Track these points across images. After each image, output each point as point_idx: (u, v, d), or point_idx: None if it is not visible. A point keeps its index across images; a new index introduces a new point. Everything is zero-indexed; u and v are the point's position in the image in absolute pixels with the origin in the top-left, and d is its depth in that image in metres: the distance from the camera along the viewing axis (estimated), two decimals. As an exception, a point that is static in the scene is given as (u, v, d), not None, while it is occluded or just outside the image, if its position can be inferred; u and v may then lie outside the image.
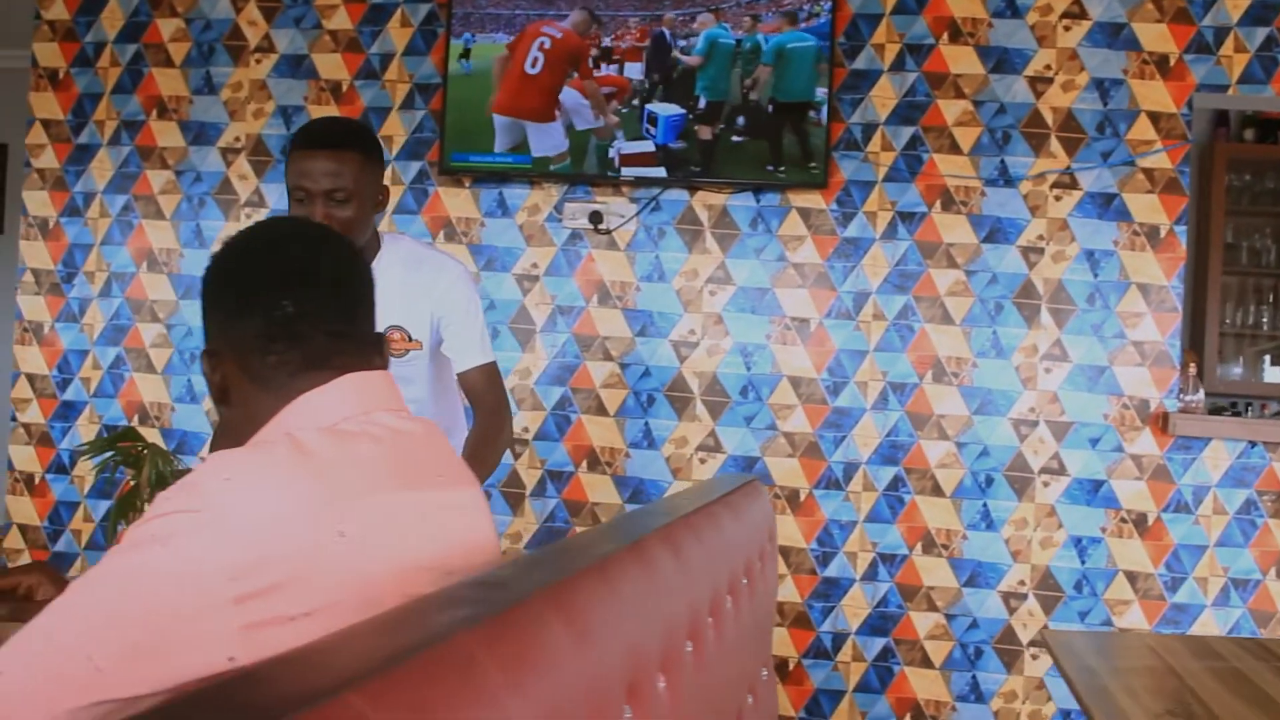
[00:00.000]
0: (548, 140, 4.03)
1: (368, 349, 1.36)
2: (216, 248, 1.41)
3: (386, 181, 2.61)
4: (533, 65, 4.05)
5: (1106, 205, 3.88)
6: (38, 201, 4.43)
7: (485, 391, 2.60)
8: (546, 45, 4.05)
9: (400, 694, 0.76)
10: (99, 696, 1.11)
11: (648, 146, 3.99)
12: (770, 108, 3.93)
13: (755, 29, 3.92)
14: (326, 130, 2.46)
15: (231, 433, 1.36)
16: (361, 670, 0.75)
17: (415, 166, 4.19)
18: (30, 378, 4.42)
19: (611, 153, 4.00)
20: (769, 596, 2.23)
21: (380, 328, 2.42)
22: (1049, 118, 3.91)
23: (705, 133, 3.97)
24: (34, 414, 4.40)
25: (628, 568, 1.32)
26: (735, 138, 3.95)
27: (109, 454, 3.77)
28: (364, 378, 1.32)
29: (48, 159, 4.42)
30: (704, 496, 1.91)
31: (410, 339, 2.57)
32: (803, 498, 3.99)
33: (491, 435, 2.56)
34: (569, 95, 4.02)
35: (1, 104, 6.32)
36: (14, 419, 4.42)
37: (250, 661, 1.11)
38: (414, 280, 2.55)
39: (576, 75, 4.03)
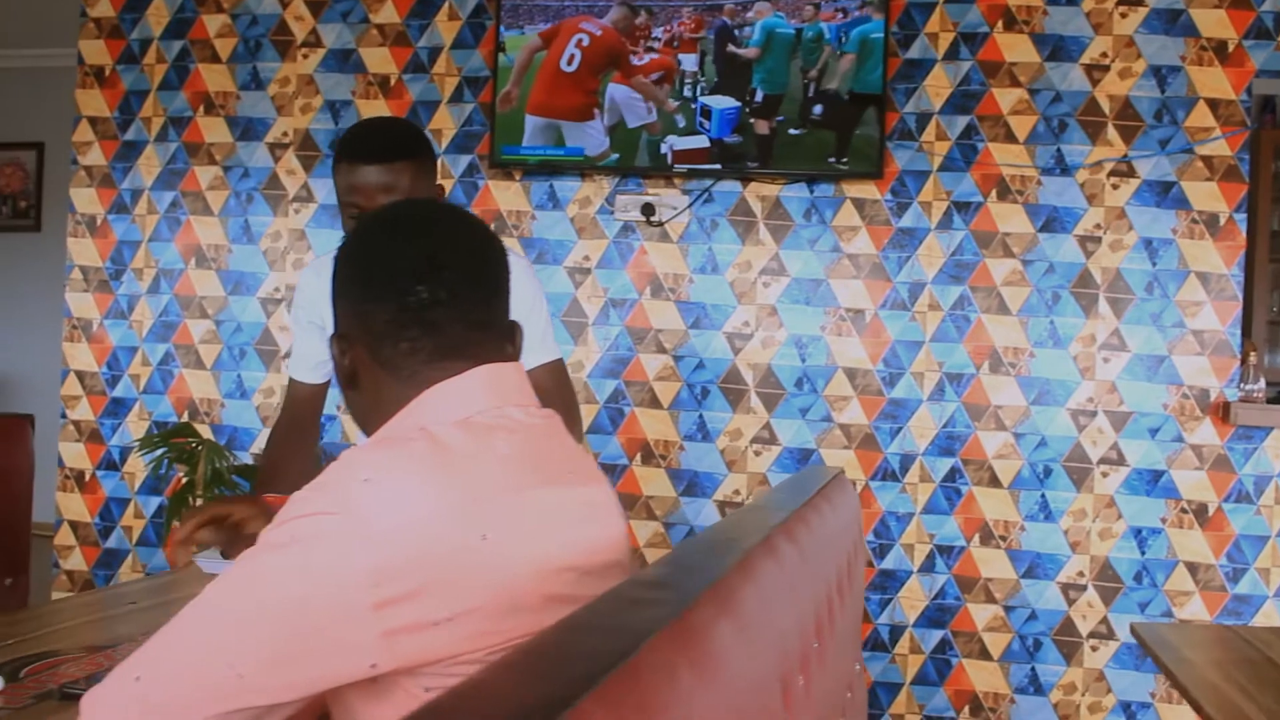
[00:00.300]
0: (588, 139, 4.00)
1: (501, 338, 1.33)
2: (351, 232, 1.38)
3: (438, 178, 2.54)
4: (569, 63, 4.02)
5: (1164, 193, 3.84)
6: (85, 199, 4.42)
7: (552, 391, 2.46)
8: (585, 43, 4.02)
9: (625, 698, 0.74)
10: (238, 704, 1.10)
11: (701, 142, 3.96)
12: (848, 97, 3.89)
13: (816, 17, 3.88)
14: (375, 139, 2.31)
15: (358, 417, 1.35)
16: (591, 674, 0.73)
17: (465, 160, 4.17)
18: (80, 375, 4.41)
19: (664, 148, 3.97)
20: (860, 590, 2.21)
21: None
22: (1106, 106, 3.87)
23: (762, 127, 3.93)
24: (84, 411, 4.39)
25: (764, 563, 1.30)
26: (793, 130, 3.91)
27: (162, 450, 3.77)
28: (497, 370, 1.29)
29: (94, 156, 4.41)
30: (803, 491, 1.88)
31: None
32: (859, 490, 3.96)
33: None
34: (619, 90, 3.99)
35: (39, 102, 6.35)
36: (64, 416, 4.42)
37: (392, 668, 1.09)
38: None
39: (618, 72, 4.00)
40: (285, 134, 4.29)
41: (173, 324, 4.35)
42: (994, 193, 3.91)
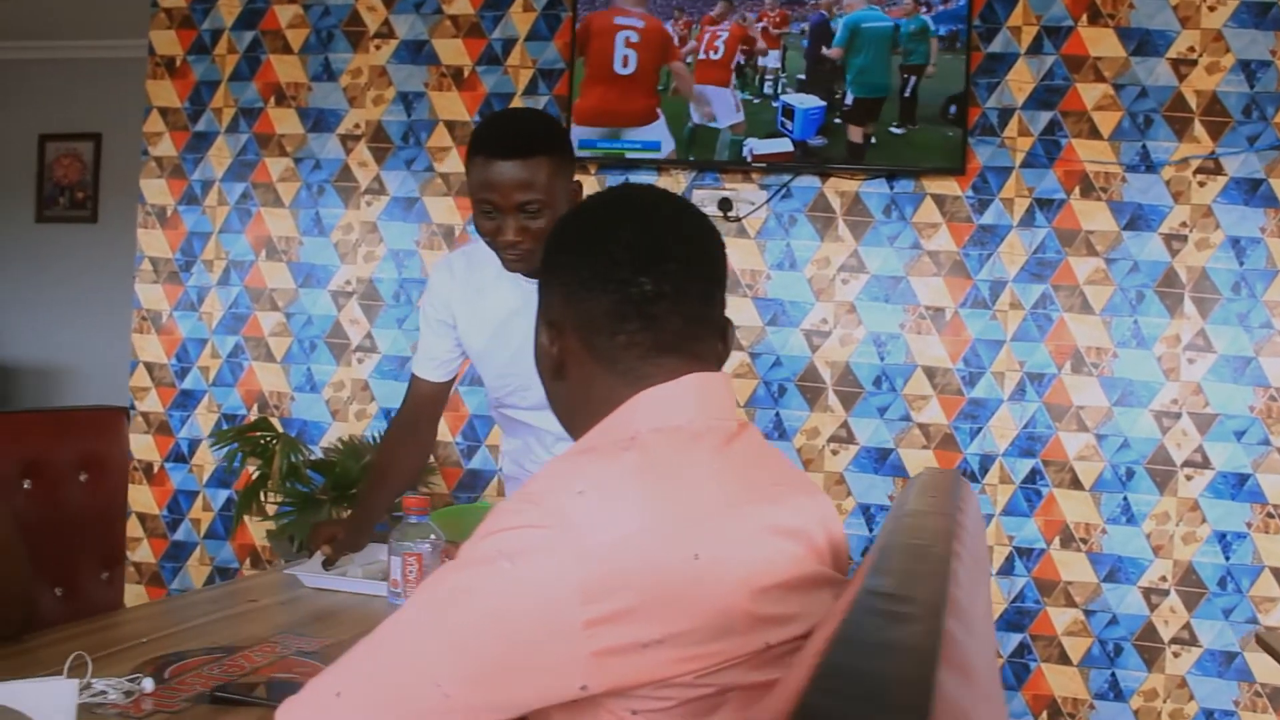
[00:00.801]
0: (724, 105, 3.93)
1: (715, 334, 1.28)
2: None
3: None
4: (624, 65, 3.96)
5: (1253, 191, 3.78)
6: (155, 190, 4.40)
7: None
8: (634, 39, 3.96)
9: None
10: None
11: (783, 145, 3.91)
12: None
13: (917, 11, 3.82)
14: (512, 133, 2.23)
15: (560, 409, 1.31)
16: (915, 701, 0.69)
17: (539, 153, 4.13)
18: (149, 366, 4.40)
19: (745, 151, 3.92)
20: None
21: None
22: (1192, 101, 3.81)
23: (856, 134, 3.86)
24: (153, 403, 4.38)
25: (959, 570, 1.26)
26: (894, 128, 3.84)
27: (236, 444, 3.76)
28: (708, 379, 1.24)
29: (165, 147, 4.39)
30: (947, 494, 1.84)
31: None
32: (936, 490, 3.90)
33: None
34: (712, 91, 3.94)
35: (97, 93, 6.35)
36: (133, 408, 4.41)
37: (603, 690, 1.05)
38: None
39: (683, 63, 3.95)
40: (357, 126, 4.26)
41: (243, 316, 4.33)
42: (1077, 190, 3.85)
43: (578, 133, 3.99)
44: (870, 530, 3.93)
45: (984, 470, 3.90)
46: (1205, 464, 3.79)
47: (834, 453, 3.97)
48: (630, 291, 1.20)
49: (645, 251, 1.21)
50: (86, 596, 2.42)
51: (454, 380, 2.59)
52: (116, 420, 2.66)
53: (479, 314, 2.45)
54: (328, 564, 2.21)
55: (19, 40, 6.37)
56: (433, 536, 1.78)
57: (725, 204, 3.98)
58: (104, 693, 1.41)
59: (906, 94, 3.82)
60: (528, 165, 2.17)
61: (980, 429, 3.90)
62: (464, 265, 2.48)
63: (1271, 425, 3.76)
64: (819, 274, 3.98)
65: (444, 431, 4.18)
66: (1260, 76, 3.77)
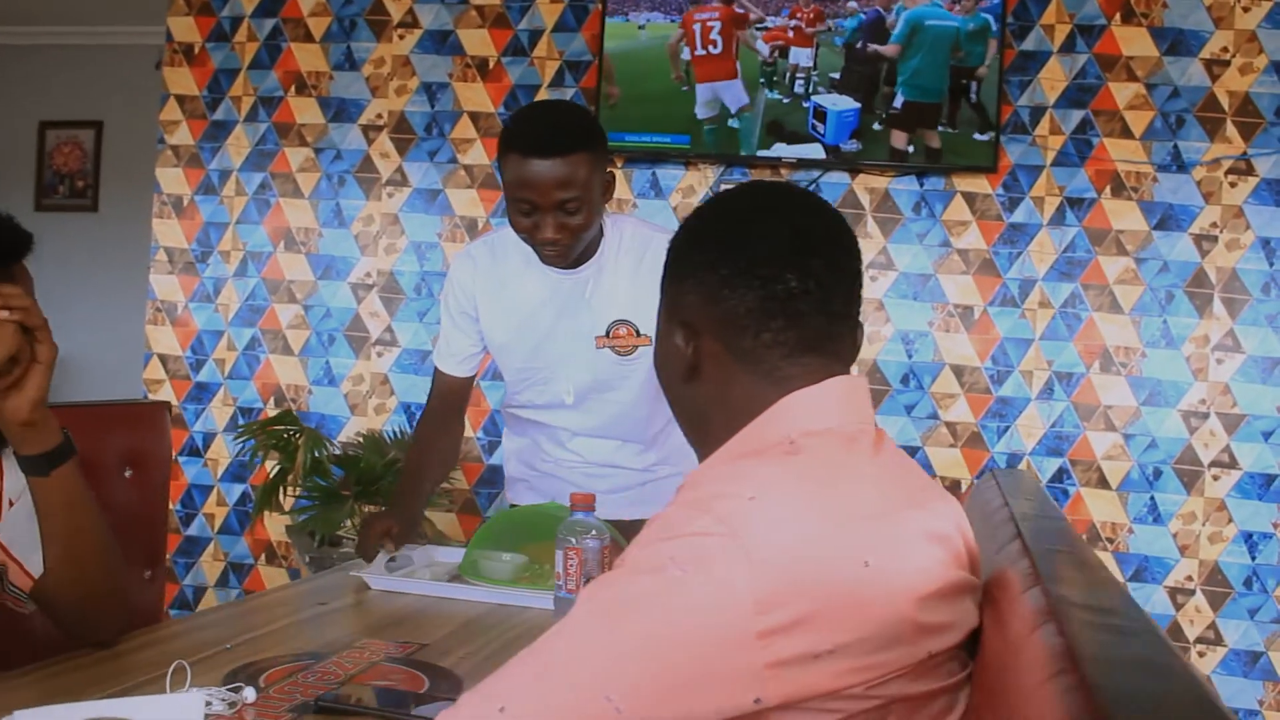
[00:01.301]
0: (733, 96, 3.91)
1: (853, 333, 1.25)
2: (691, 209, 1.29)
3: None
4: (716, 47, 3.92)
5: (1284, 192, 3.78)
6: (171, 179, 4.34)
7: None
8: (716, 26, 3.92)
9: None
10: None
11: (814, 151, 3.88)
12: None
13: (977, 7, 3.78)
14: (549, 130, 2.16)
15: (688, 412, 1.26)
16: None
17: (564, 146, 4.08)
18: (163, 358, 4.34)
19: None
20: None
21: (605, 325, 2.32)
22: (1225, 101, 3.80)
23: (899, 139, 3.83)
24: (167, 395, 4.32)
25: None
26: (943, 127, 3.81)
27: (259, 436, 3.71)
28: (852, 381, 1.21)
29: (182, 135, 4.33)
30: (1043, 496, 1.83)
31: (638, 334, 2.35)
32: (964, 488, 3.89)
33: None
34: (721, 87, 3.91)
35: (98, 80, 6.27)
36: (146, 400, 4.34)
37: (775, 703, 1.01)
38: (644, 267, 2.32)
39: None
40: (379, 116, 4.21)
41: (260, 308, 4.27)
42: (1108, 189, 3.84)
43: (604, 128, 3.94)
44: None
45: (1012, 469, 3.88)
46: (1232, 464, 3.79)
47: (861, 451, 3.94)
48: (775, 288, 1.16)
49: (790, 247, 1.18)
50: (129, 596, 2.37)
51: (477, 374, 2.55)
52: (159, 415, 2.62)
53: (502, 305, 2.41)
54: (389, 559, 2.18)
55: (20, 25, 6.28)
56: (594, 532, 1.75)
57: (753, 199, 3.95)
58: (209, 704, 1.37)
59: (971, 98, 3.77)
60: (566, 163, 2.11)
61: (1008, 428, 3.89)
62: (487, 256, 2.42)
63: (1300, 426, 3.77)
64: (847, 271, 3.95)
65: (466, 427, 4.13)
66: (1293, 77, 3.77)
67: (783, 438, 1.14)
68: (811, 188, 3.94)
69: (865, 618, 1.03)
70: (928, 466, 3.90)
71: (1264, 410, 3.78)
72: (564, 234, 2.16)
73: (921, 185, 3.93)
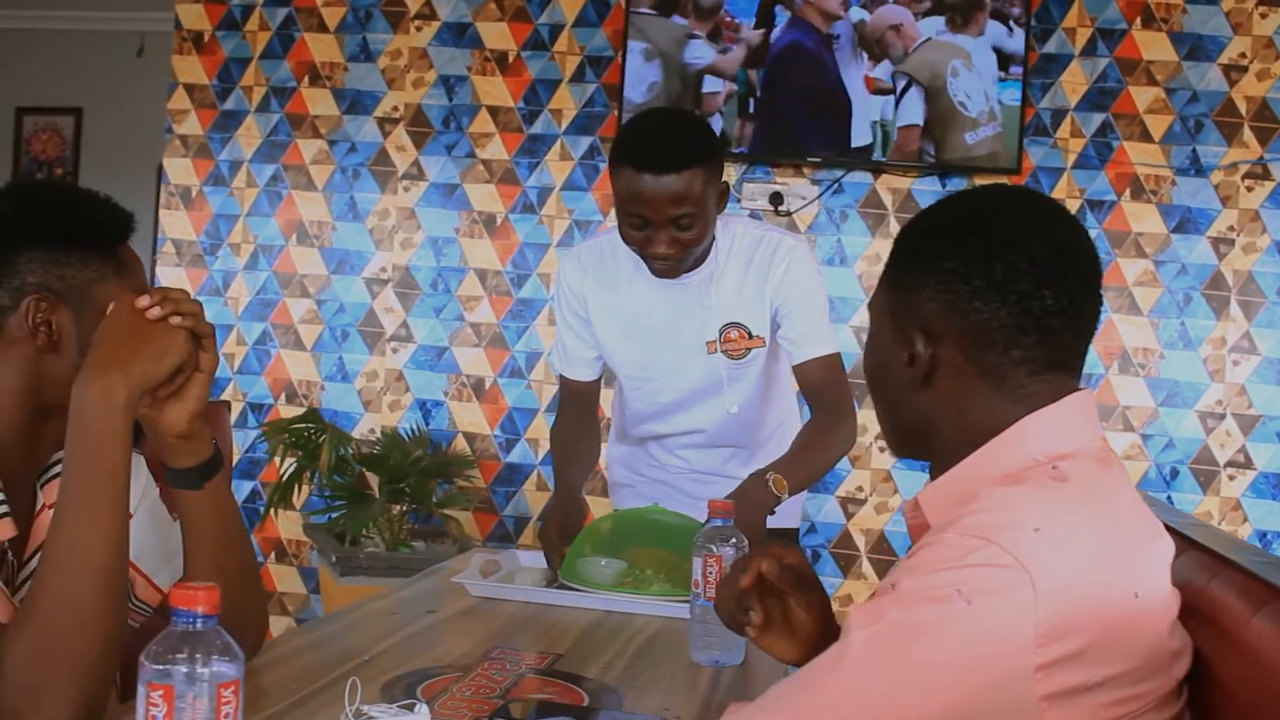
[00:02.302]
0: None
1: (1089, 348, 1.24)
2: (920, 210, 1.27)
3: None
4: None
5: (1300, 197, 3.84)
6: (180, 169, 4.25)
7: (823, 386, 2.27)
8: None
9: None
10: None
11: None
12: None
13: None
14: (664, 145, 2.09)
15: (914, 421, 1.23)
16: None
17: (585, 142, 4.06)
18: (170, 352, 4.25)
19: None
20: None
21: (716, 329, 2.30)
22: (1243, 107, 3.86)
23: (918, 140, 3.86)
24: (174, 390, 4.23)
25: None
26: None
27: (283, 435, 3.66)
28: (1087, 398, 1.18)
29: (191, 125, 4.24)
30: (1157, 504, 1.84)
31: (751, 336, 2.31)
32: (984, 488, 3.92)
33: (821, 438, 2.25)
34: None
35: (78, 66, 6.14)
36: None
37: None
38: (753, 268, 2.28)
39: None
40: (396, 109, 4.15)
41: (271, 302, 4.20)
42: (1128, 192, 3.88)
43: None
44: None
45: (1031, 469, 3.92)
46: (1248, 464, 3.85)
47: (881, 450, 3.96)
48: (1031, 305, 1.13)
49: (1047, 262, 1.14)
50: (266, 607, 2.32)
51: (601, 376, 2.50)
52: (220, 413, 2.56)
53: (613, 308, 2.37)
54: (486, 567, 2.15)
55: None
56: (734, 540, 1.73)
57: (776, 198, 3.95)
58: (377, 720, 1.34)
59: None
60: (681, 179, 2.06)
61: (1028, 428, 3.92)
62: (594, 259, 2.38)
63: (1313, 428, 3.84)
64: (870, 270, 3.97)
65: (482, 424, 4.11)
66: (1310, 84, 3.83)
67: (1032, 460, 1.12)
68: (833, 187, 3.95)
69: (1133, 648, 1.03)
70: (947, 465, 3.92)
71: (1279, 411, 3.84)
72: (676, 248, 2.12)
73: (944, 186, 3.95)
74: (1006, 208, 1.21)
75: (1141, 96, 3.89)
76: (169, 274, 4.24)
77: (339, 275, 4.17)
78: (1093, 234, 3.69)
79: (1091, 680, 1.01)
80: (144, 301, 1.33)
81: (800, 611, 1.34)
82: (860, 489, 3.96)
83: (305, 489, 3.82)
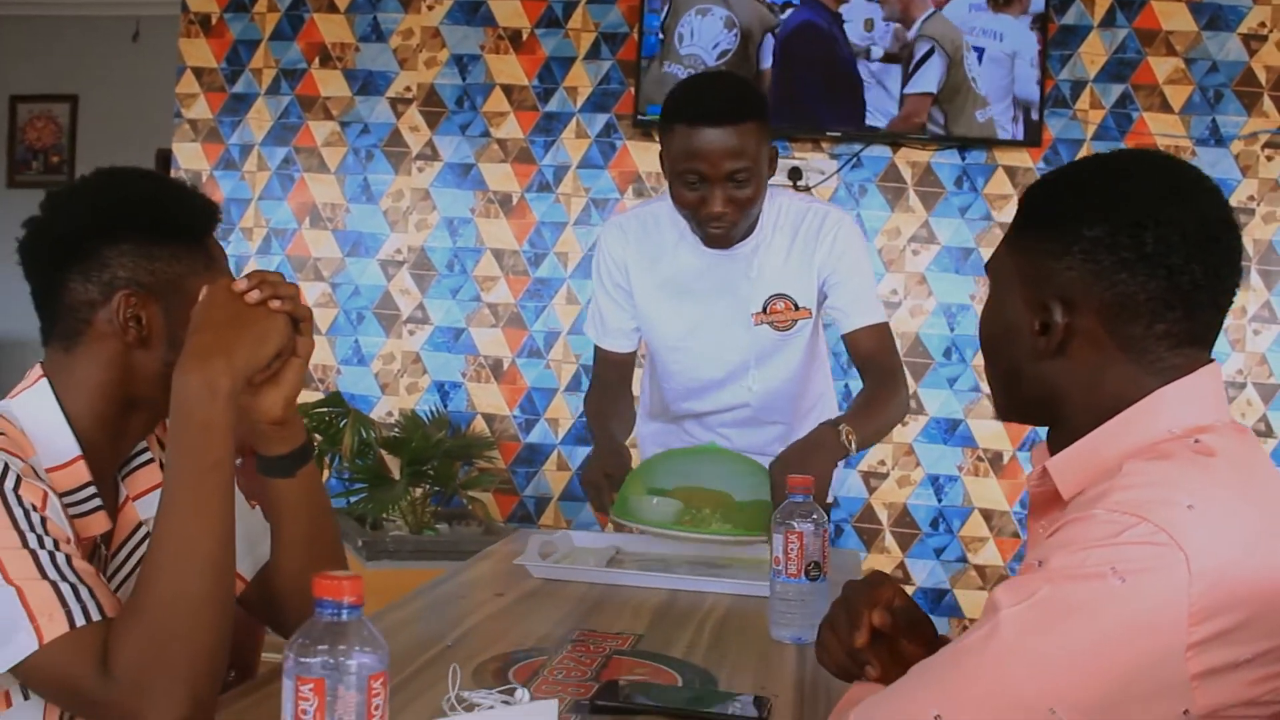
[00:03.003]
0: None
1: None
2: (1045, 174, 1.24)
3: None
4: None
5: (1320, 165, 3.84)
6: (189, 154, 4.20)
7: (876, 353, 2.27)
8: None
9: None
10: None
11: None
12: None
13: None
14: (720, 97, 2.12)
15: (1039, 390, 1.19)
16: None
17: (602, 119, 4.03)
18: (183, 339, 4.21)
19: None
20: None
21: (761, 301, 2.28)
22: (1262, 76, 3.85)
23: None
24: (188, 377, 4.19)
25: None
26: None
27: (304, 419, 3.60)
28: (1215, 370, 1.16)
29: (200, 109, 4.19)
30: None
31: (797, 308, 2.30)
32: (1006, 460, 3.92)
33: (882, 401, 2.23)
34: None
35: (73, 53, 6.07)
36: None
37: (1201, 713, 1.00)
38: (799, 239, 2.28)
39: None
40: (408, 89, 4.11)
41: (285, 286, 4.15)
42: (1148, 162, 3.87)
43: (645, 98, 3.89)
44: (939, 500, 3.92)
45: (1054, 441, 3.92)
46: (1269, 433, 3.86)
47: (904, 424, 3.95)
48: (1180, 279, 1.10)
49: (1197, 235, 1.11)
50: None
51: (640, 350, 2.48)
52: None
53: (655, 278, 2.36)
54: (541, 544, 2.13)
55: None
56: (815, 515, 1.71)
57: (795, 173, 3.93)
58: (491, 707, 1.32)
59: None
60: (738, 131, 2.07)
61: (1050, 400, 3.92)
62: (637, 228, 2.37)
63: (1334, 396, 3.84)
64: (889, 244, 3.96)
65: (501, 405, 4.08)
66: (1329, 52, 3.82)
67: (1168, 432, 1.10)
68: (853, 161, 3.93)
69: (1277, 625, 1.02)
70: (969, 439, 3.93)
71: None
72: (731, 208, 2.12)
73: (963, 159, 3.94)
74: (1155, 176, 1.16)
75: (1161, 67, 3.88)
76: (180, 259, 4.19)
77: (353, 258, 4.13)
78: (1113, 205, 3.73)
79: (1241, 657, 0.99)
80: (242, 285, 1.30)
81: (910, 646, 1.30)
82: (882, 463, 3.95)
83: (324, 473, 3.78)
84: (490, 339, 4.08)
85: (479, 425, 4.07)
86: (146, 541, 1.44)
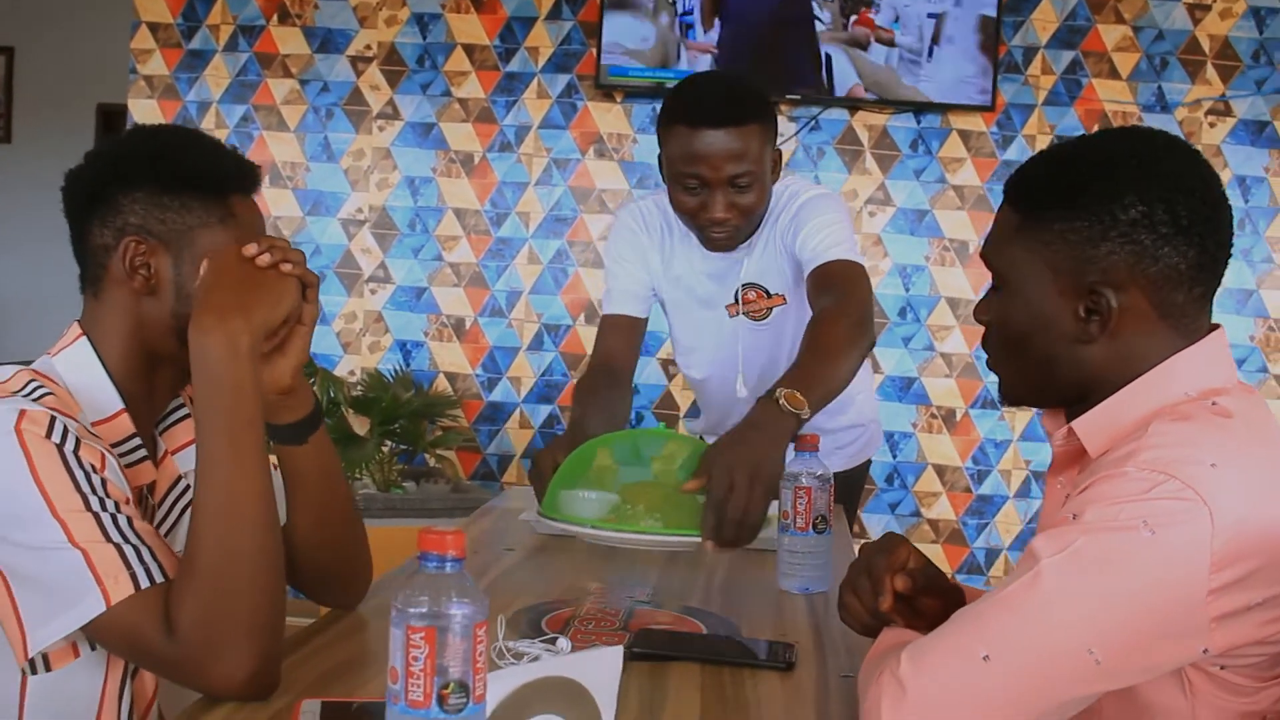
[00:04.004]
0: None
1: None
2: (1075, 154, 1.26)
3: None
4: None
5: (1259, 132, 3.98)
6: (145, 110, 4.16)
7: (835, 275, 2.04)
8: None
9: None
10: (1086, 690, 1.10)
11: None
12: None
13: None
14: (722, 99, 2.03)
15: (1081, 372, 1.24)
16: None
17: (563, 80, 4.06)
18: (141, 297, 4.18)
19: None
20: None
21: (732, 292, 2.28)
22: (1206, 45, 3.97)
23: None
24: (146, 335, 4.17)
25: None
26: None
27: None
28: (1225, 335, 1.26)
29: (155, 65, 4.14)
30: None
31: (769, 295, 2.24)
32: (959, 417, 4.04)
33: (829, 330, 1.88)
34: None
35: (8, 3, 5.94)
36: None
37: (1218, 651, 1.09)
38: (773, 225, 2.19)
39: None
40: (369, 47, 4.10)
41: (244, 245, 4.14)
42: (1096, 128, 3.98)
43: (607, 60, 3.93)
44: (894, 457, 4.03)
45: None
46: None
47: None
48: (1209, 244, 1.19)
49: (1214, 200, 1.21)
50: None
51: (647, 321, 2.36)
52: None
53: (669, 268, 2.30)
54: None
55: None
56: (820, 471, 1.78)
57: (755, 136, 3.98)
58: (536, 657, 1.38)
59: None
60: (741, 133, 1.99)
61: (1000, 359, 4.03)
62: (658, 213, 2.28)
63: (1270, 354, 4.00)
64: (847, 206, 4.03)
65: (463, 363, 4.12)
66: (1270, 22, 3.95)
67: (1184, 394, 1.18)
68: (811, 124, 4.00)
69: None
70: (923, 397, 4.04)
71: (1237, 339, 4.00)
72: (733, 213, 2.06)
73: (919, 122, 4.02)
74: (1160, 153, 1.23)
75: (1110, 34, 3.99)
76: (137, 217, 4.16)
77: (314, 217, 4.13)
78: (1062, 169, 3.84)
79: (1254, 601, 1.08)
80: (252, 249, 1.31)
81: (928, 601, 1.36)
82: (839, 421, 4.05)
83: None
84: (452, 298, 4.10)
85: (441, 384, 4.11)
86: (186, 494, 1.48)
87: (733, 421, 2.11)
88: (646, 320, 2.34)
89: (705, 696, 1.32)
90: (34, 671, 1.27)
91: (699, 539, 1.61)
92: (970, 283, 4.02)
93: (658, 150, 2.14)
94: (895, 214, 4.03)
